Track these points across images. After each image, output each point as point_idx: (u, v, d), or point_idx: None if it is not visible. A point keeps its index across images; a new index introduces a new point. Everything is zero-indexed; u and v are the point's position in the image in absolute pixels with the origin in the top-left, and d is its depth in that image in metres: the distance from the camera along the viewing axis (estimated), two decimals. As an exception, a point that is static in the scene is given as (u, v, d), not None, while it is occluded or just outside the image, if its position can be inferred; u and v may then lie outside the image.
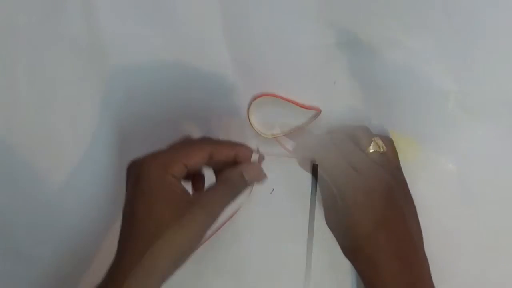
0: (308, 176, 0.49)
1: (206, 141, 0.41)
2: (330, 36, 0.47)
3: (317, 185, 0.48)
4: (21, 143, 0.50)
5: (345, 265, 0.49)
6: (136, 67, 0.49)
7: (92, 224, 0.50)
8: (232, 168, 0.41)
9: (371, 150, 0.43)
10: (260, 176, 0.42)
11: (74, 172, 0.50)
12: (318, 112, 0.48)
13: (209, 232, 0.50)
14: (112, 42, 0.49)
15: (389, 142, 0.44)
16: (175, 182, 0.38)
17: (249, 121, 0.48)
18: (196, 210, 0.37)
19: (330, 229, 0.43)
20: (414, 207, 0.43)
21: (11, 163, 0.50)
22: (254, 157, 0.42)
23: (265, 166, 0.49)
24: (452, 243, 0.48)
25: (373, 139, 0.43)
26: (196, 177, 0.43)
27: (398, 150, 0.45)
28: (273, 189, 0.50)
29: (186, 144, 0.40)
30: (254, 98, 0.48)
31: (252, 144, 0.44)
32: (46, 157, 0.50)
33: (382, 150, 0.43)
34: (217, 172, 0.43)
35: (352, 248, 0.41)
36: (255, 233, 0.50)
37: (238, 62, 0.48)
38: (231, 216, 0.50)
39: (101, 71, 0.49)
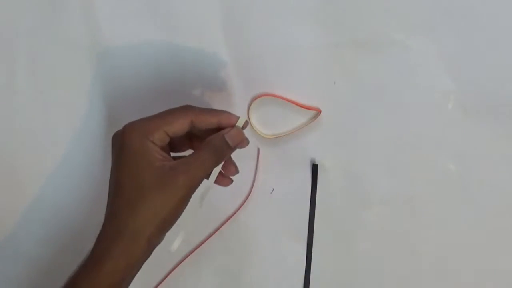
0: (308, 176, 0.49)
1: (187, 108, 0.41)
2: (330, 36, 0.47)
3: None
4: (21, 143, 0.50)
5: (345, 265, 0.49)
6: (136, 67, 0.49)
7: (92, 224, 0.50)
8: (215, 134, 0.40)
9: None
10: (243, 141, 0.41)
11: (75, 172, 0.50)
12: (318, 112, 0.48)
13: (211, 230, 0.50)
14: (112, 42, 0.49)
15: None
16: (156, 148, 0.38)
17: (249, 121, 0.48)
18: (179, 175, 0.38)
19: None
20: None
21: (12, 164, 0.50)
22: (239, 122, 0.41)
23: (265, 166, 0.49)
24: (452, 243, 0.48)
25: None
26: (182, 144, 0.43)
27: None
28: (273, 189, 0.50)
29: (168, 112, 0.40)
30: (254, 98, 0.48)
31: (252, 144, 0.44)
32: (46, 157, 0.50)
33: None
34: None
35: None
36: (255, 233, 0.50)
37: (238, 62, 0.48)
38: (232, 215, 0.50)
39: (101, 71, 0.49)
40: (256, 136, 0.49)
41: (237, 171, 0.43)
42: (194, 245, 0.51)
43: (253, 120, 0.48)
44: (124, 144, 0.38)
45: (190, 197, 0.39)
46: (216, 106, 0.49)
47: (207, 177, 0.41)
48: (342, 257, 0.49)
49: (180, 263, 0.51)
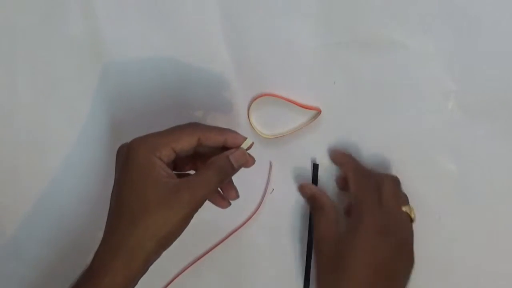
0: (308, 176, 0.49)
1: (195, 126, 0.41)
2: (330, 36, 0.47)
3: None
4: (21, 143, 0.50)
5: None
6: (135, 67, 0.49)
7: (93, 224, 0.50)
8: (219, 154, 0.41)
9: (403, 209, 0.43)
10: (248, 162, 0.42)
11: (75, 173, 0.50)
12: (318, 112, 0.48)
13: (214, 241, 0.50)
14: (112, 43, 0.49)
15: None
16: (162, 164, 0.39)
17: (249, 121, 0.48)
18: (183, 193, 0.38)
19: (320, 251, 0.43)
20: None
21: (11, 163, 0.50)
22: (245, 144, 0.42)
23: (265, 166, 0.49)
24: (452, 243, 0.48)
25: (409, 206, 0.44)
26: (185, 164, 0.44)
27: None
28: (273, 189, 0.50)
29: (176, 129, 0.40)
30: (254, 98, 0.48)
31: (264, 156, 0.44)
32: (46, 157, 0.50)
33: (413, 216, 0.43)
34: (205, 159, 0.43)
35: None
36: (255, 233, 0.50)
37: (238, 62, 0.48)
38: (238, 228, 0.50)
39: (101, 72, 0.49)
40: (256, 136, 0.49)
41: (237, 196, 0.44)
42: (198, 253, 0.51)
43: (253, 120, 0.48)
44: (129, 159, 0.39)
45: (192, 216, 0.39)
46: (216, 106, 0.49)
47: (210, 196, 0.41)
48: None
49: (182, 272, 0.51)
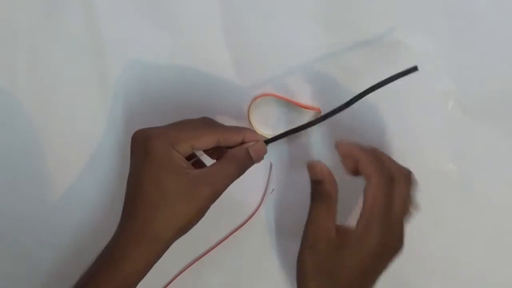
0: (308, 176, 0.49)
1: (214, 125, 0.42)
2: (330, 36, 0.47)
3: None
4: (22, 144, 0.50)
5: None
6: (135, 67, 0.49)
7: (95, 226, 0.50)
8: (239, 146, 0.42)
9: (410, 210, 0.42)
10: (263, 156, 0.43)
11: (76, 173, 0.50)
12: (318, 112, 0.48)
13: (215, 241, 0.50)
14: (112, 43, 0.49)
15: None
16: (181, 157, 0.39)
17: (249, 121, 0.48)
18: (203, 185, 0.39)
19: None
20: None
21: (13, 164, 0.50)
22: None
23: (265, 166, 0.49)
24: (452, 243, 0.48)
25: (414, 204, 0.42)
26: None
27: None
28: (273, 189, 0.50)
29: (196, 126, 0.41)
30: (254, 98, 0.48)
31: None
32: (47, 157, 0.50)
33: (412, 211, 0.42)
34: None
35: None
36: (255, 233, 0.50)
37: (238, 62, 0.48)
38: (238, 228, 0.50)
39: (101, 72, 0.49)
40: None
41: None
42: (198, 253, 0.51)
43: (253, 120, 0.48)
44: (149, 150, 0.39)
45: (209, 207, 0.40)
46: (216, 106, 0.49)
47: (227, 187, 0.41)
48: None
49: (182, 272, 0.51)
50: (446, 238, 0.48)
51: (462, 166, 0.47)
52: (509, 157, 0.47)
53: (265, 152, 0.43)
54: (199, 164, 0.45)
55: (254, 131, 0.43)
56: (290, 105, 0.48)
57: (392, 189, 0.40)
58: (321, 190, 0.42)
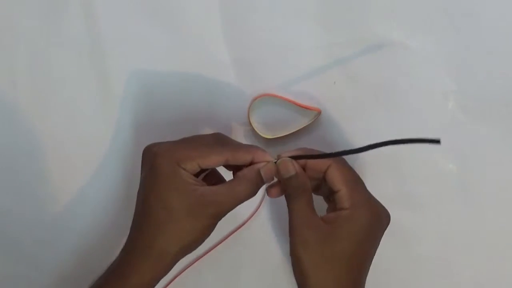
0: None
1: (223, 144, 0.41)
2: (330, 36, 0.47)
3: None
4: (23, 145, 0.50)
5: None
6: (135, 67, 0.49)
7: (95, 226, 0.50)
8: (249, 166, 0.41)
9: None
10: (274, 175, 0.42)
11: (76, 173, 0.50)
12: (318, 112, 0.48)
13: (215, 241, 0.50)
14: (112, 43, 0.49)
15: None
16: (188, 174, 0.39)
17: (249, 121, 0.48)
18: (210, 205, 0.39)
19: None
20: None
21: (15, 166, 0.50)
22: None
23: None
24: (452, 243, 0.48)
25: None
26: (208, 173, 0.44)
27: None
28: (273, 189, 0.50)
29: (206, 144, 0.41)
30: (254, 98, 0.48)
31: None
32: (48, 158, 0.50)
33: None
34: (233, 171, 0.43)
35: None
36: (255, 233, 0.50)
37: (238, 62, 0.48)
38: (237, 228, 0.50)
39: (101, 72, 0.49)
40: (256, 136, 0.49)
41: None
42: (198, 253, 0.51)
43: (253, 120, 0.48)
44: (155, 167, 0.39)
45: (215, 225, 0.40)
46: (216, 106, 0.49)
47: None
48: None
49: (182, 272, 0.51)
50: (446, 238, 0.48)
51: (462, 166, 0.47)
52: (509, 157, 0.47)
53: (275, 173, 0.41)
54: (213, 176, 0.44)
55: (264, 151, 0.41)
56: (290, 105, 0.48)
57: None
58: (296, 184, 0.41)
